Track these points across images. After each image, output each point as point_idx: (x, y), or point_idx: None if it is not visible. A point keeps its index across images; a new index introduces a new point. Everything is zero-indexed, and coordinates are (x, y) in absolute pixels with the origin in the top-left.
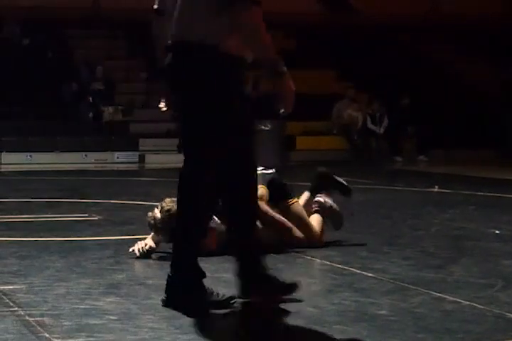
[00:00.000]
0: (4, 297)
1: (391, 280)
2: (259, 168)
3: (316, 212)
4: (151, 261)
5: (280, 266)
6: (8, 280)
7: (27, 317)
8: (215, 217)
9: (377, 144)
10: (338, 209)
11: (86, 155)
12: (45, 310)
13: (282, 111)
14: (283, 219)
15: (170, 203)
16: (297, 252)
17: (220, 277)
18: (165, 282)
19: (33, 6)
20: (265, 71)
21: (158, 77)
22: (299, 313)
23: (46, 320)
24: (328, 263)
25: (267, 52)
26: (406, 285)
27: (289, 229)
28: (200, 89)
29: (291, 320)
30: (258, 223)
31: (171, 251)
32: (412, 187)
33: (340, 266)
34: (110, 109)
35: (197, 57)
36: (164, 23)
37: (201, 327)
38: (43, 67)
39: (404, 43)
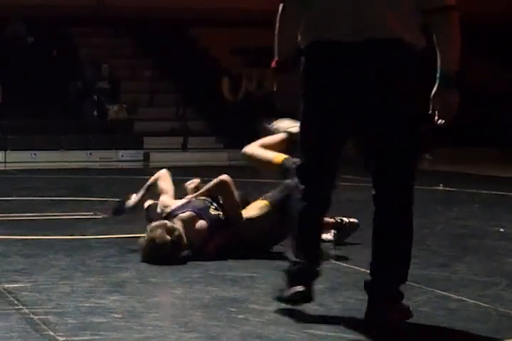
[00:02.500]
0: (9, 295)
1: None
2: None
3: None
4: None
5: (284, 265)
6: (13, 278)
7: (31, 316)
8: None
9: None
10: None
11: (90, 154)
12: (50, 308)
13: (441, 121)
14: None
15: (154, 230)
16: None
17: (225, 275)
18: (169, 280)
19: (38, 5)
20: (441, 80)
21: (281, 71)
22: (304, 311)
23: (51, 318)
24: (333, 261)
25: (453, 62)
26: (410, 283)
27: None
28: (410, 88)
29: (296, 319)
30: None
31: None
32: (417, 186)
33: (344, 264)
34: (115, 108)
35: (403, 53)
36: (293, 15)
37: (205, 325)
38: (48, 65)
39: None
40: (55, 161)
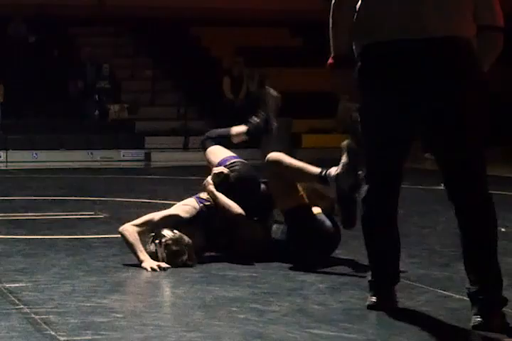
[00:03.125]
0: (10, 295)
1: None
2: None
3: None
4: None
5: (285, 265)
6: (14, 278)
7: (33, 315)
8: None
9: None
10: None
11: (92, 153)
12: (51, 308)
13: None
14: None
15: (169, 237)
16: None
17: (226, 275)
18: (170, 280)
19: (39, 4)
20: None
21: (339, 66)
22: (305, 311)
23: (52, 317)
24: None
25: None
26: (412, 283)
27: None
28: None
29: (297, 318)
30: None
31: None
32: (418, 185)
33: (345, 263)
34: (116, 107)
35: (469, 51)
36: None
37: (206, 325)
38: (49, 65)
39: None
40: (56, 161)
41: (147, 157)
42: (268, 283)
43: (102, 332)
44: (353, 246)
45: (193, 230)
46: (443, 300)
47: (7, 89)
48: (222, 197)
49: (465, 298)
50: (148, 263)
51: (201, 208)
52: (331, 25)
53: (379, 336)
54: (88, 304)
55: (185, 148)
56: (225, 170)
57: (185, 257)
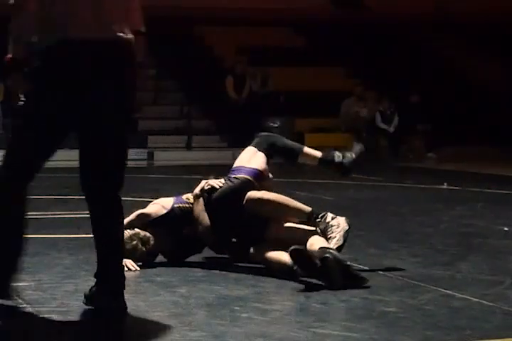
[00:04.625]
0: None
1: (400, 278)
2: None
3: None
4: (159, 259)
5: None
6: (17, 277)
7: (36, 314)
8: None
9: (387, 143)
10: None
11: None
12: (54, 307)
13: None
14: None
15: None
16: None
17: (229, 274)
18: (173, 279)
19: None
20: None
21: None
22: (308, 310)
23: (55, 316)
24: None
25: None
26: (414, 282)
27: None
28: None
29: (300, 317)
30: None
31: None
32: (421, 184)
33: (348, 262)
34: None
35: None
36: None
37: (209, 324)
38: None
39: (414, 41)
40: (60, 160)
41: (150, 156)
42: (271, 283)
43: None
44: (354, 246)
45: (156, 229)
46: (446, 299)
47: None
48: (200, 205)
49: (468, 297)
50: None
51: (173, 209)
52: (12, 24)
53: (381, 335)
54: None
55: (189, 147)
56: (216, 186)
57: (140, 250)
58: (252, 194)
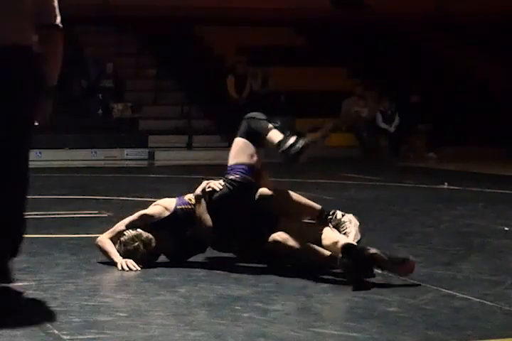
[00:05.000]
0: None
1: (400, 277)
2: None
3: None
4: (160, 258)
5: (288, 264)
6: (18, 277)
7: (36, 314)
8: None
9: (388, 143)
10: None
11: (95, 152)
12: (55, 307)
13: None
14: None
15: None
16: None
17: (229, 274)
18: (174, 279)
19: None
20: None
21: None
22: (309, 310)
23: (55, 316)
24: None
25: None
26: (415, 282)
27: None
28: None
29: (300, 317)
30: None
31: None
32: (422, 184)
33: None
34: (119, 106)
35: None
36: None
37: (210, 324)
38: None
39: (414, 41)
40: (60, 160)
41: (151, 156)
42: (271, 282)
43: (105, 331)
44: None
45: (160, 231)
46: (446, 298)
47: None
48: (202, 206)
49: (469, 296)
50: (119, 262)
51: (176, 210)
52: None
53: (383, 335)
54: (92, 303)
55: (189, 146)
56: (217, 188)
57: (142, 251)
58: (265, 191)
